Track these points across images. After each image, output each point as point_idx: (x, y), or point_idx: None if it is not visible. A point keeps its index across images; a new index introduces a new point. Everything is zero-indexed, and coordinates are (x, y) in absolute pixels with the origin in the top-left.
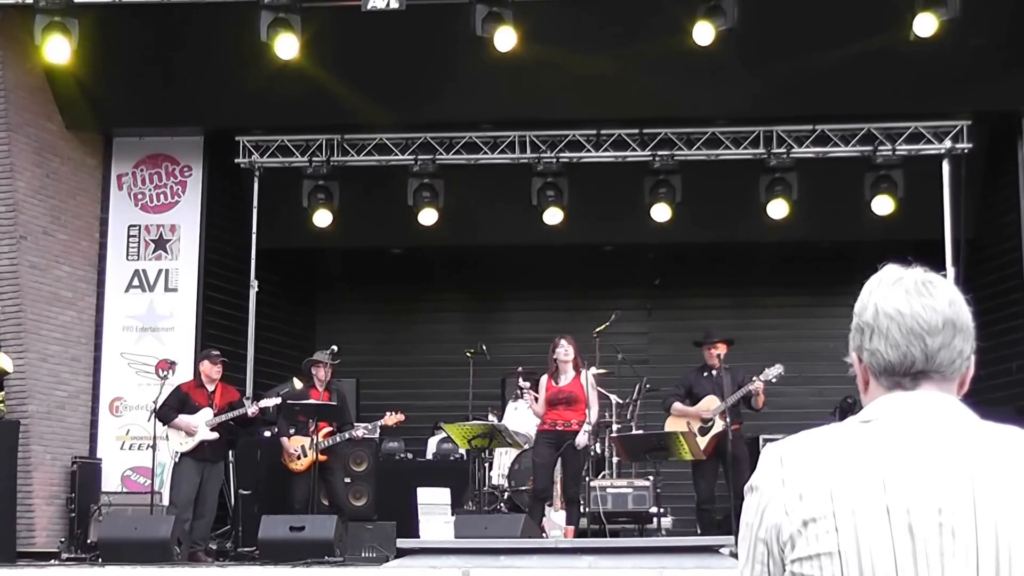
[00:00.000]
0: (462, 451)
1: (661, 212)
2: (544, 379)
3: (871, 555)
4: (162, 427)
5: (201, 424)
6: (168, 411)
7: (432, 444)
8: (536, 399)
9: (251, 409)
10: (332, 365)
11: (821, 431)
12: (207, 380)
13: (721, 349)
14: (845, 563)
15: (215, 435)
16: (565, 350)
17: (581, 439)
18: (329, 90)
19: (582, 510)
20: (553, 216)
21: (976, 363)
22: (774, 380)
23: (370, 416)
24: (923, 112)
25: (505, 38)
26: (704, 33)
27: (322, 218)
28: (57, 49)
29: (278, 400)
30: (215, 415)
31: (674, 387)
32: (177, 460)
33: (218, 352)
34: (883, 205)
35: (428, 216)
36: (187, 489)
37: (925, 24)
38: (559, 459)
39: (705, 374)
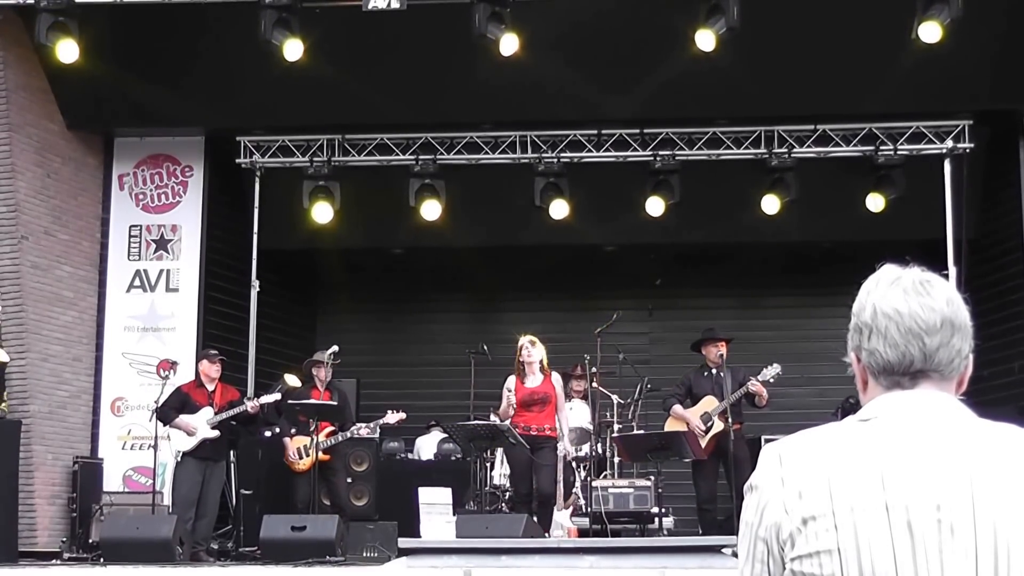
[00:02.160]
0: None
1: (655, 206)
2: (512, 380)
3: (870, 552)
4: (163, 427)
5: (202, 423)
6: (168, 411)
7: (420, 443)
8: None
9: (251, 405)
10: (332, 365)
11: (820, 430)
12: (206, 379)
13: (723, 348)
14: (844, 560)
15: (216, 433)
16: (528, 352)
17: (569, 451)
18: (330, 90)
19: (584, 510)
20: (559, 209)
21: (977, 363)
22: (772, 380)
23: (371, 416)
24: (924, 112)
25: (508, 43)
26: (706, 40)
27: (323, 217)
28: (67, 51)
29: (278, 396)
30: (215, 414)
31: (674, 387)
32: (179, 460)
33: (216, 351)
34: (884, 205)
35: (431, 210)
36: (189, 489)
37: (930, 32)
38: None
39: (705, 374)
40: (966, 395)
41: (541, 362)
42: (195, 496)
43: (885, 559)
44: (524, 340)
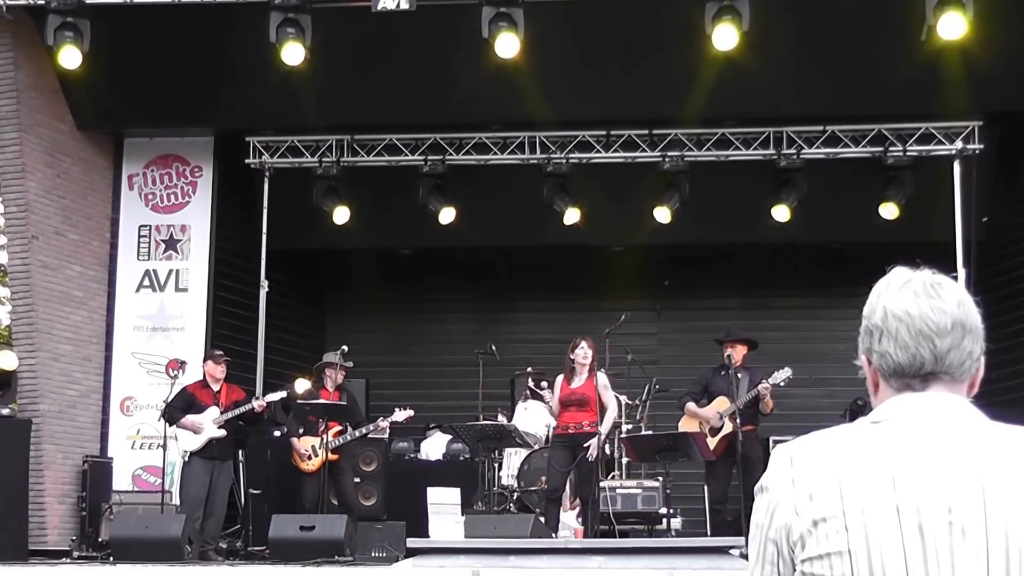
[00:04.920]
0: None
1: (663, 214)
2: (559, 380)
3: (881, 554)
4: (170, 428)
5: (208, 423)
6: (174, 411)
7: (424, 446)
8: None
9: (257, 404)
10: (344, 367)
11: (831, 432)
12: (212, 380)
13: (735, 350)
14: (855, 562)
15: (222, 432)
16: (585, 352)
17: (593, 451)
18: (339, 91)
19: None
20: (572, 216)
21: (987, 365)
22: (782, 383)
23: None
24: (934, 113)
25: (508, 45)
26: (726, 37)
27: (333, 218)
28: (70, 57)
29: (283, 394)
30: (221, 413)
31: (691, 385)
32: (186, 460)
33: (221, 352)
34: (894, 206)
35: (445, 216)
36: (197, 488)
37: (952, 25)
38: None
39: (723, 373)
40: (975, 397)
41: (591, 363)
42: (203, 496)
43: (896, 561)
44: (581, 340)
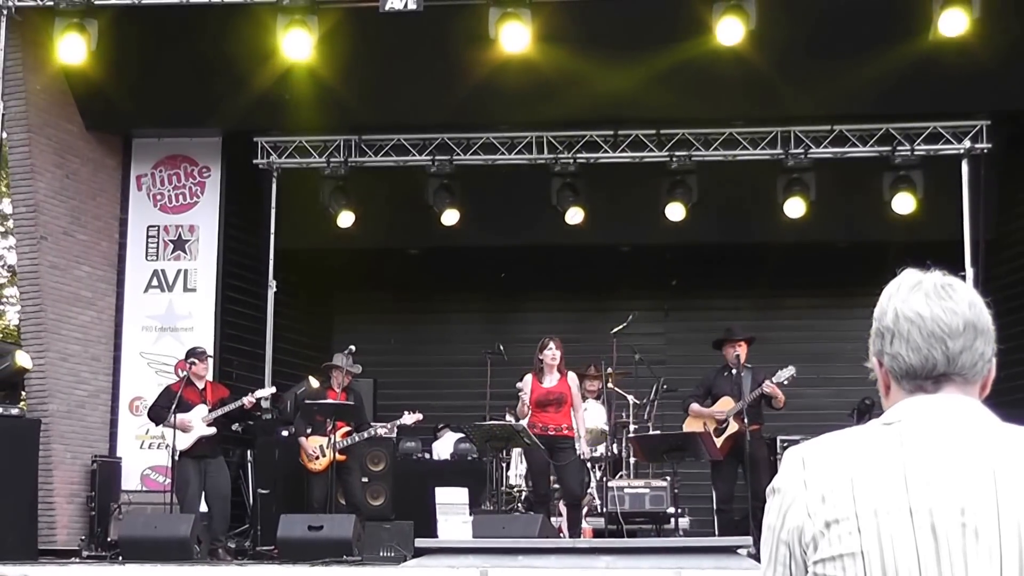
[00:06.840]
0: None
1: (675, 211)
2: (528, 379)
3: (894, 555)
4: (156, 427)
5: (197, 421)
6: (160, 411)
7: (435, 446)
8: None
9: (247, 400)
10: (350, 371)
11: (843, 433)
12: (196, 378)
13: (741, 349)
14: (868, 564)
15: (212, 430)
16: (553, 353)
17: (584, 451)
18: (346, 91)
19: (600, 510)
20: (575, 216)
21: (996, 365)
22: (786, 382)
23: (387, 416)
24: (942, 112)
25: (516, 38)
26: (731, 32)
27: (341, 219)
28: (72, 50)
29: (272, 390)
30: (209, 411)
31: (694, 387)
32: (176, 459)
33: (204, 350)
34: (902, 205)
35: (450, 217)
36: (193, 488)
37: (953, 21)
38: (551, 464)
39: (725, 374)
40: (985, 397)
41: (560, 363)
42: (199, 494)
43: (909, 562)
44: (548, 340)
